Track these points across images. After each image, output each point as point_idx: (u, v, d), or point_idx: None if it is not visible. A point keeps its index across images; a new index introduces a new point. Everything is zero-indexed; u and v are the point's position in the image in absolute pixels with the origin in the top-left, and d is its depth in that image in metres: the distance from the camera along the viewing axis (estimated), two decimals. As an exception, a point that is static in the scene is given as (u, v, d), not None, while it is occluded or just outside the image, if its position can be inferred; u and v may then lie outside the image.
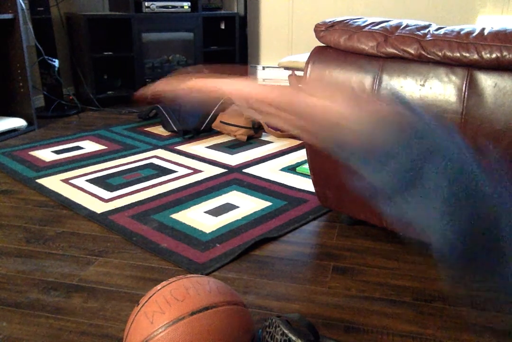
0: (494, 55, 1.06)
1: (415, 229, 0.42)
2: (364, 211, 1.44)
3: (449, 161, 0.40)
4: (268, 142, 2.52)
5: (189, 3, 3.49)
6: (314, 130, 0.42)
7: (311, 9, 3.87)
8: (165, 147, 2.42)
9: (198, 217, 1.65)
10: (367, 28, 1.28)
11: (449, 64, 1.15)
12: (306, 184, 1.94)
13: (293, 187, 1.91)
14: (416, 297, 1.23)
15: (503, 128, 1.08)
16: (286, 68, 2.80)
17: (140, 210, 1.70)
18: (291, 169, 2.12)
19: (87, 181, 1.97)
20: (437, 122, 0.43)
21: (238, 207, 1.72)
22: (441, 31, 1.18)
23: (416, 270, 1.35)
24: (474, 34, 1.12)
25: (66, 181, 1.97)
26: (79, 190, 1.88)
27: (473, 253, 0.40)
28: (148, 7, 3.31)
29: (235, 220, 1.62)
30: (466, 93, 1.12)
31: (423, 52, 1.16)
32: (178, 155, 2.30)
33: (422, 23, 1.27)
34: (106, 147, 2.41)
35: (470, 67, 1.12)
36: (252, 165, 2.16)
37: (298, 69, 2.72)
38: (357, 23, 1.32)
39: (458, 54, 1.11)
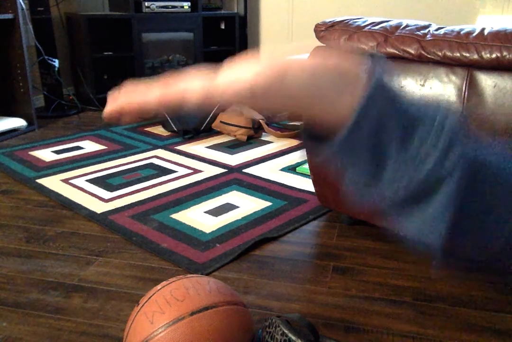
0: (494, 55, 1.06)
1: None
2: (364, 211, 1.44)
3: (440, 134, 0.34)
4: (268, 142, 2.52)
5: (189, 3, 3.49)
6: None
7: (311, 9, 3.87)
8: (165, 147, 2.42)
9: (198, 217, 1.65)
10: (367, 28, 1.28)
11: (449, 64, 1.15)
12: (306, 184, 1.94)
13: (293, 187, 1.91)
14: (416, 297, 1.23)
15: (503, 128, 1.08)
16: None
17: (140, 210, 1.70)
18: (291, 169, 2.11)
19: (87, 181, 1.97)
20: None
21: (238, 207, 1.72)
22: (441, 31, 1.17)
23: (416, 270, 1.35)
24: (474, 34, 1.12)
25: (66, 181, 1.97)
26: (79, 190, 1.88)
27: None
28: (148, 7, 3.30)
29: (235, 220, 1.62)
30: (466, 93, 1.12)
31: (423, 52, 1.16)
32: (178, 155, 2.30)
33: (422, 23, 1.27)
34: (106, 147, 2.41)
35: (470, 67, 1.12)
36: (252, 165, 2.16)
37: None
38: (357, 23, 1.32)
39: (458, 54, 1.11)
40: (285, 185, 1.93)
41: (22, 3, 2.62)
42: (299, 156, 2.26)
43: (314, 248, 1.47)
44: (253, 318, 1.13)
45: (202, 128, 2.64)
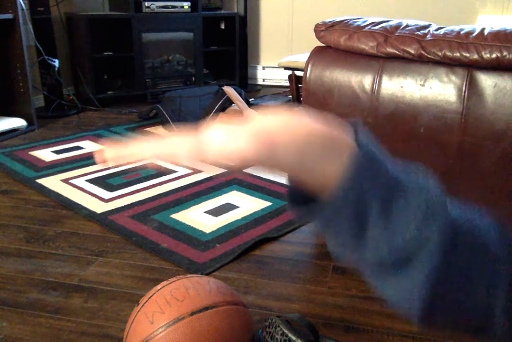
0: (494, 55, 1.06)
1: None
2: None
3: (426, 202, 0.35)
4: (268, 142, 2.52)
5: (189, 3, 3.48)
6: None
7: (311, 9, 3.87)
8: (165, 147, 2.42)
9: (198, 217, 1.65)
10: (367, 28, 1.28)
11: (449, 64, 1.15)
12: (306, 184, 1.94)
13: (293, 187, 1.91)
14: (416, 297, 1.23)
15: (503, 128, 1.08)
16: (286, 68, 2.80)
17: (140, 210, 1.70)
18: (291, 169, 2.11)
19: (87, 181, 1.97)
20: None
21: (238, 207, 1.72)
22: (441, 31, 1.17)
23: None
24: (474, 34, 1.11)
25: (66, 181, 1.97)
26: (79, 190, 1.88)
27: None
28: (148, 7, 3.30)
29: (235, 220, 1.62)
30: (466, 93, 1.12)
31: (423, 52, 1.16)
32: (178, 155, 2.30)
33: (422, 23, 1.27)
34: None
35: (470, 67, 1.12)
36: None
37: (298, 69, 2.72)
38: (357, 23, 1.32)
39: (458, 54, 1.11)
40: (285, 184, 1.93)
41: (22, 3, 2.62)
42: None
43: (314, 248, 1.47)
44: (253, 318, 1.13)
45: (202, 128, 2.63)
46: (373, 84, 1.25)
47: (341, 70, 1.30)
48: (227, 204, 1.75)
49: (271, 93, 3.71)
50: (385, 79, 1.23)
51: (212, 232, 1.55)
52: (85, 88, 3.22)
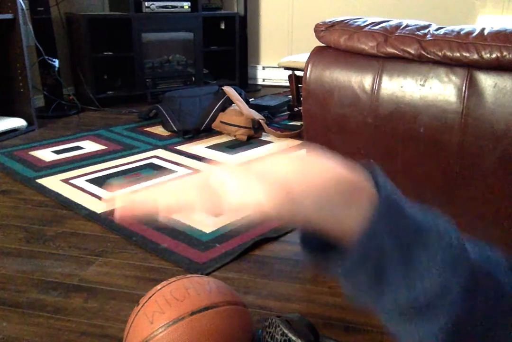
0: (494, 55, 1.06)
1: None
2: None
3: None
4: (268, 142, 2.52)
5: (189, 3, 3.48)
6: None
7: (311, 9, 3.87)
8: (165, 147, 2.42)
9: (198, 217, 1.65)
10: (367, 28, 1.28)
11: (449, 64, 1.15)
12: (306, 184, 1.94)
13: (293, 187, 1.91)
14: (416, 297, 1.23)
15: (503, 128, 1.08)
16: (286, 68, 2.80)
17: (140, 210, 1.69)
18: (291, 169, 2.11)
19: (87, 181, 1.97)
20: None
21: (238, 207, 1.72)
22: (441, 31, 1.17)
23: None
24: (474, 34, 1.11)
25: (66, 181, 1.97)
26: (79, 190, 1.88)
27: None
28: (148, 7, 3.30)
29: (235, 220, 1.62)
30: (466, 93, 1.12)
31: (423, 52, 1.16)
32: (178, 155, 2.30)
33: (422, 23, 1.27)
34: (106, 147, 2.41)
35: (470, 67, 1.12)
36: (252, 165, 2.16)
37: (298, 69, 2.72)
38: (357, 23, 1.32)
39: (458, 54, 1.11)
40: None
41: (22, 3, 2.62)
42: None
43: (314, 248, 1.47)
44: (253, 318, 1.13)
45: (202, 128, 2.64)
46: (373, 84, 1.25)
47: (341, 70, 1.30)
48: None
49: (271, 93, 3.71)
50: (385, 79, 1.23)
51: (212, 232, 1.55)
52: (85, 88, 3.22)
